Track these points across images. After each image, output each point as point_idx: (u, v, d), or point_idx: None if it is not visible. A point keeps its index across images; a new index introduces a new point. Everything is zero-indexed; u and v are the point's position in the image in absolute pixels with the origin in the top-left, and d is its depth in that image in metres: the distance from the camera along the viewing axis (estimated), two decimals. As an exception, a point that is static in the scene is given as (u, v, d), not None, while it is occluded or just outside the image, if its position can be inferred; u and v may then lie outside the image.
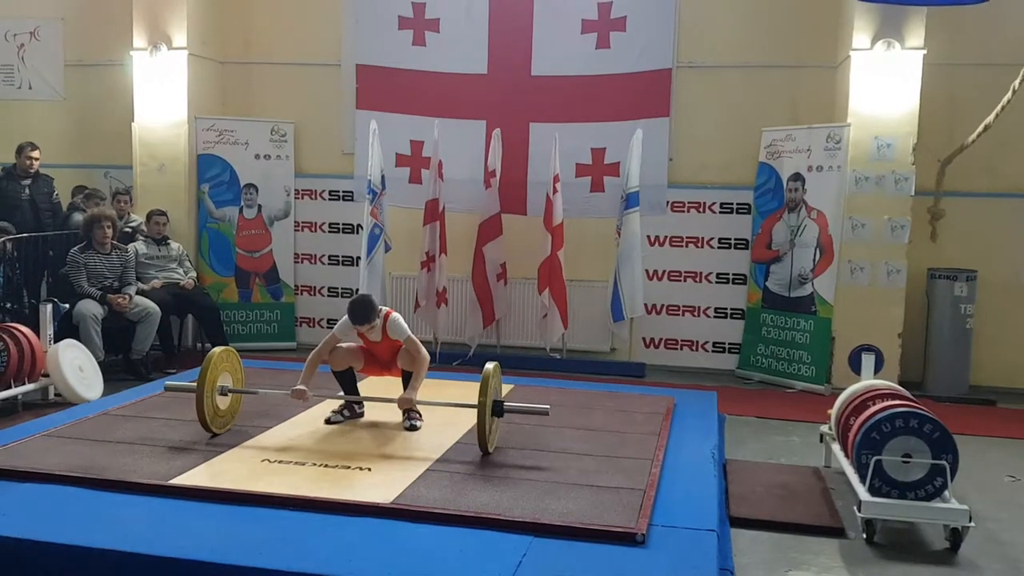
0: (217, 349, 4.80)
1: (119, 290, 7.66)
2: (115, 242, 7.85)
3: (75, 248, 7.69)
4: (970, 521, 4.35)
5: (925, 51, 7.60)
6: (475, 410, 4.36)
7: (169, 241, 8.42)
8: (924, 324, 8.01)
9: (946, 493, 4.40)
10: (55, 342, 6.81)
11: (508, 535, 3.47)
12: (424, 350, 4.93)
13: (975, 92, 7.82)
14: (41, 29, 9.73)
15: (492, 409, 4.48)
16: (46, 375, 6.66)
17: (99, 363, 7.12)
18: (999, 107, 7.13)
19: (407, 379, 4.91)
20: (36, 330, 6.72)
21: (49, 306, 6.91)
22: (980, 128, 7.38)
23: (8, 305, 7.31)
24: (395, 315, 4.94)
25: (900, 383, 6.19)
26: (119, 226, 8.11)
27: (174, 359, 8.06)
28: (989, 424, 6.95)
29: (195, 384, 4.58)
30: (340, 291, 9.25)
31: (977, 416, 7.18)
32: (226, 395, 4.76)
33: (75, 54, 9.64)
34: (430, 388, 4.96)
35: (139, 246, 8.18)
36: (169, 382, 5.16)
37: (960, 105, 7.96)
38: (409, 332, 4.94)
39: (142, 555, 3.24)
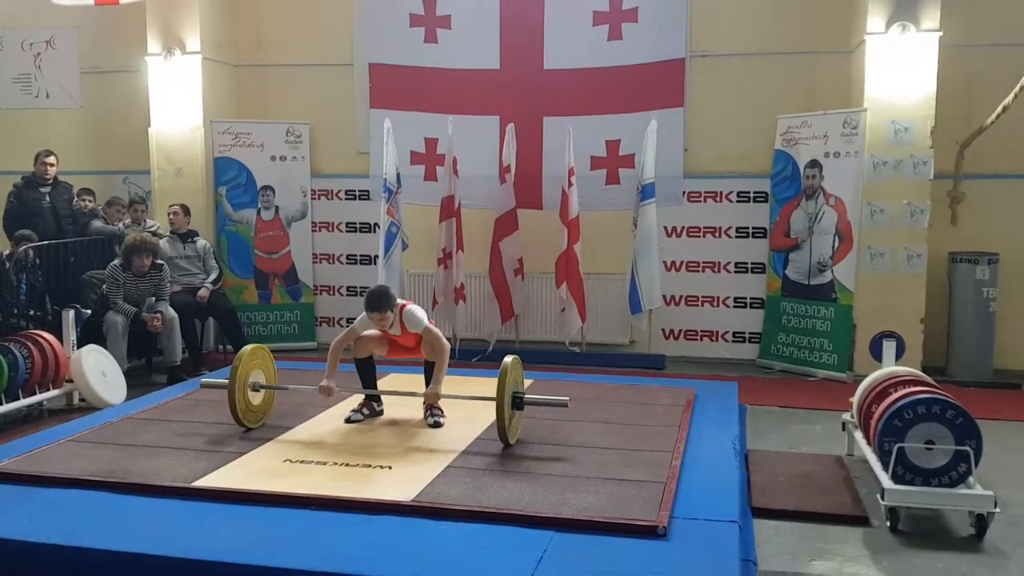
0: (248, 347, 4.92)
1: (152, 306, 7.62)
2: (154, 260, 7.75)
3: (116, 263, 7.59)
4: (995, 507, 4.32)
5: (941, 33, 7.52)
6: (496, 406, 4.37)
7: (195, 238, 8.43)
8: (946, 309, 7.94)
9: (970, 479, 4.38)
10: (78, 348, 6.88)
11: (529, 530, 3.46)
12: (444, 339, 4.92)
13: (993, 73, 7.74)
14: (56, 38, 9.80)
15: (512, 402, 4.49)
16: (70, 381, 6.74)
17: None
18: (1017, 87, 7.03)
19: (429, 372, 4.91)
20: (59, 336, 6.79)
21: (71, 312, 6.98)
22: (999, 109, 7.29)
23: (31, 312, 7.38)
24: (411, 306, 4.90)
25: (923, 369, 6.15)
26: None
27: (199, 361, 8.09)
28: (1014, 408, 6.89)
29: (227, 381, 4.72)
30: (359, 290, 9.26)
31: (1001, 400, 7.12)
32: (258, 391, 4.88)
33: (91, 61, 9.70)
34: (450, 385, 4.95)
35: (163, 243, 8.19)
36: (205, 379, 5.33)
37: (978, 87, 7.88)
38: (427, 323, 4.87)
39: (166, 557, 3.26)
